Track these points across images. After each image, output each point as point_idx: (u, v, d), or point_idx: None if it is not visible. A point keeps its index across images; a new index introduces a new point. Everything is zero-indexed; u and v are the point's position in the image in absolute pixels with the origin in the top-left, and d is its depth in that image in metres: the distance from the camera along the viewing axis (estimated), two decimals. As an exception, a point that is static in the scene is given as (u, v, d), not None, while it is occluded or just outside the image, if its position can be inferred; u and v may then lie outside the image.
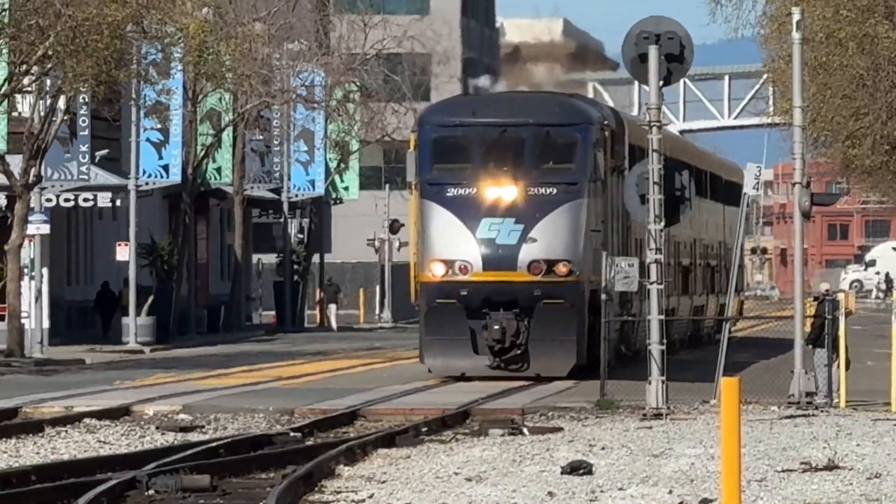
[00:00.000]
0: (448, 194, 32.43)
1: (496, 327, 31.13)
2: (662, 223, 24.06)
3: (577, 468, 14.12)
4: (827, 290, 26.58)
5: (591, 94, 75.31)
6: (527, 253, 31.66)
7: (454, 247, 31.99)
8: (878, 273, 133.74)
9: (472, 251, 31.82)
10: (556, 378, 30.95)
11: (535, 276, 31.68)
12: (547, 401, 26.36)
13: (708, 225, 47.75)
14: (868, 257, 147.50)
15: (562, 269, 31.72)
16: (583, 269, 31.71)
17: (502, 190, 32.18)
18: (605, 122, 34.34)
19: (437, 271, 31.99)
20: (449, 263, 31.84)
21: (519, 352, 31.44)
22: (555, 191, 32.35)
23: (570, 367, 31.44)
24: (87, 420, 22.54)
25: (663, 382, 23.43)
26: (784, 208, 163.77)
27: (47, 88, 44.22)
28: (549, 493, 12.48)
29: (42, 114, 44.61)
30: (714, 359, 26.11)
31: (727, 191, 51.11)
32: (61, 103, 45.18)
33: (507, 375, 31.28)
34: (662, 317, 24.18)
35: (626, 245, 35.81)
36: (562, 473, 14.07)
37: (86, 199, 53.33)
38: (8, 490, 12.78)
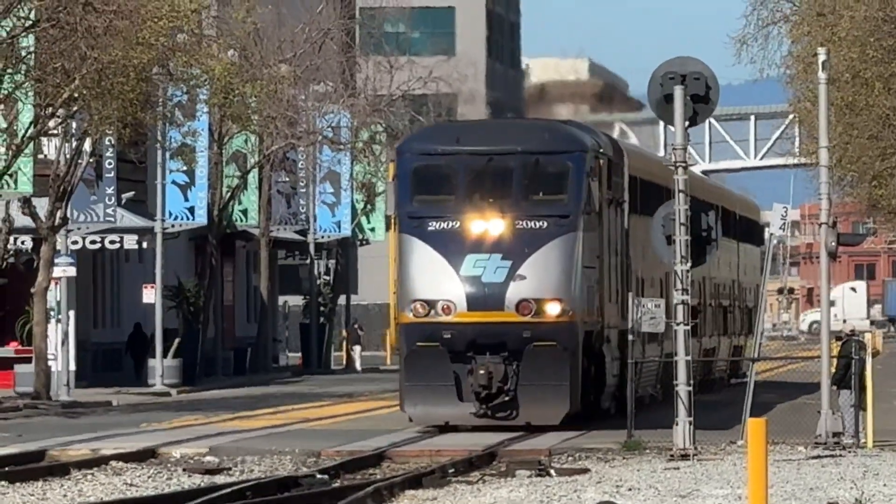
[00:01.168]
0: (430, 228, 29.95)
1: (482, 372, 28.68)
2: (689, 264, 24.01)
3: (605, 509, 14.07)
4: (852, 331, 26.43)
5: (616, 134, 75.14)
6: (515, 291, 29.24)
7: (436, 285, 29.62)
8: (835, 316, 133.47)
9: (455, 290, 29.41)
10: (548, 427, 28.57)
11: (525, 317, 29.30)
12: (574, 442, 26.11)
13: (720, 263, 44.14)
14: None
15: (553, 308, 29.31)
16: (576, 308, 29.53)
17: (488, 223, 29.70)
18: (601, 150, 32.07)
19: (418, 312, 29.67)
20: (431, 303, 29.50)
21: (507, 398, 29.02)
22: (545, 224, 29.85)
23: (563, 414, 29.05)
24: (113, 462, 22.50)
25: (690, 423, 23.31)
26: (810, 248, 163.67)
27: (73, 131, 44.50)
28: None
29: (68, 156, 44.88)
30: (736, 400, 25.99)
31: (741, 227, 50.10)
32: (87, 145, 45.48)
33: (495, 425, 29.08)
34: (689, 357, 24.09)
35: (625, 283, 33.77)
36: (589, 514, 14.03)
37: (112, 242, 53.64)
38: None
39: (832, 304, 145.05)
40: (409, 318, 29.87)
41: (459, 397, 29.12)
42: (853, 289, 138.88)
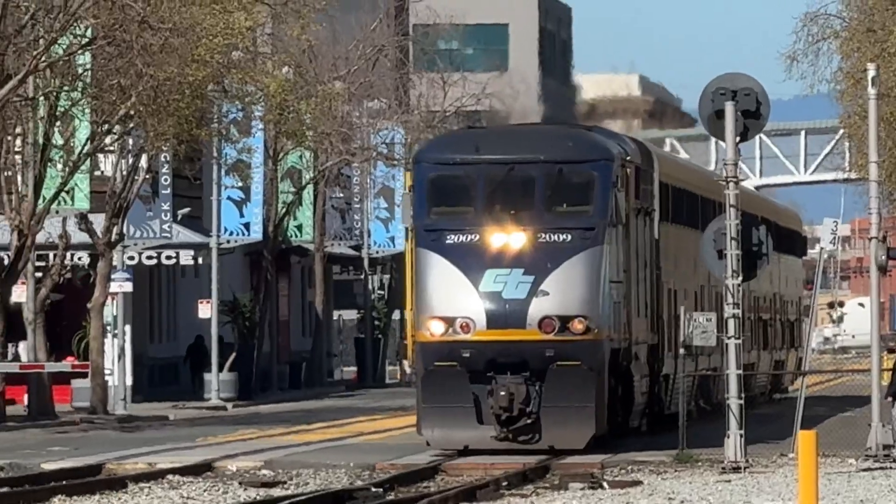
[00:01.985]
0: (447, 242, 28.00)
1: (503, 393, 26.75)
2: (740, 278, 24.08)
3: (658, 522, 14.17)
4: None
5: (667, 150, 75.18)
6: (537, 308, 27.30)
7: (455, 302, 27.70)
8: (845, 331, 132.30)
9: (474, 306, 27.51)
10: (573, 451, 26.70)
11: (547, 335, 27.35)
12: (626, 455, 26.04)
13: (760, 276, 41.67)
14: (836, 314, 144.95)
15: (577, 326, 27.33)
16: (602, 325, 27.74)
17: (509, 237, 27.76)
18: (628, 158, 30.17)
19: (435, 330, 27.72)
20: (449, 321, 27.54)
21: (529, 421, 27.10)
22: (569, 237, 27.93)
23: (589, 437, 27.15)
24: (170, 476, 22.62)
25: (741, 436, 23.36)
26: (861, 262, 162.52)
27: (129, 148, 45.01)
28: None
29: (124, 173, 45.41)
30: (784, 414, 25.96)
31: (782, 238, 48.52)
32: (143, 162, 45.96)
33: (516, 448, 27.13)
34: (741, 371, 24.17)
35: (657, 298, 32.48)
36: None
37: (168, 258, 54.08)
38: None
39: (841, 319, 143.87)
40: (426, 336, 28.12)
41: (479, 420, 27.39)
42: (861, 304, 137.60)
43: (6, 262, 42.60)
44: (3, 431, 37.53)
